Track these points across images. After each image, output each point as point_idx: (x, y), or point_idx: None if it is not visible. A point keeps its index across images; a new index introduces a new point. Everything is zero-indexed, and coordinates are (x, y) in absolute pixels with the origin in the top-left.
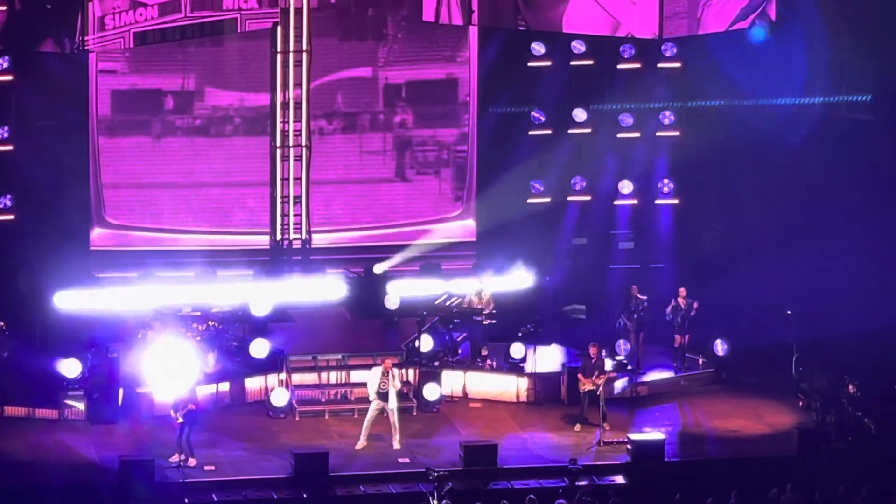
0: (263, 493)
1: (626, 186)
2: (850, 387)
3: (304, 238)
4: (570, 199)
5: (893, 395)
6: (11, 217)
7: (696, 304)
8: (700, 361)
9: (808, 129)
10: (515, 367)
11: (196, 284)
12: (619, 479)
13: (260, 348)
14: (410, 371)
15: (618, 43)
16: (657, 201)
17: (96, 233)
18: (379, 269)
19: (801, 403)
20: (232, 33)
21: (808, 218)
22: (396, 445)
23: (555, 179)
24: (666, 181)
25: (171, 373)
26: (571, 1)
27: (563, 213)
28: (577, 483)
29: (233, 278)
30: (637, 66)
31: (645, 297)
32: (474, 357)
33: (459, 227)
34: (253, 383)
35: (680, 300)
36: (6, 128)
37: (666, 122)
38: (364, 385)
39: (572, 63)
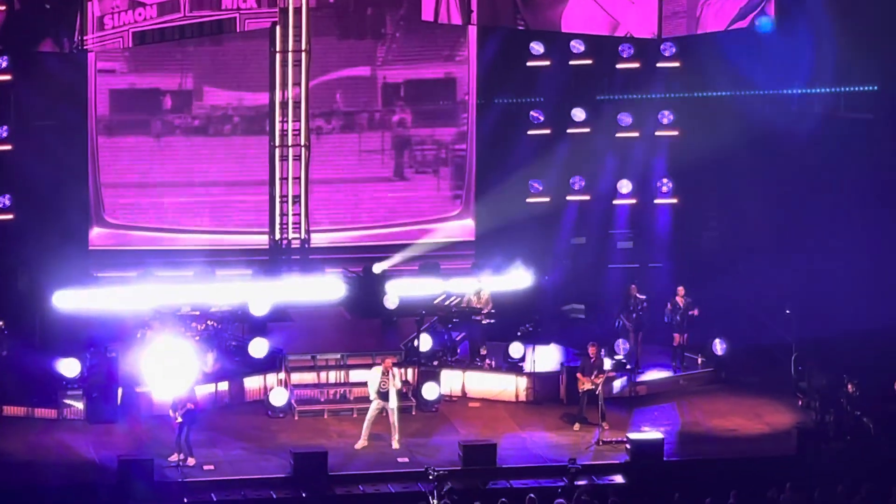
0: (262, 492)
1: (624, 186)
2: (850, 386)
3: (302, 237)
4: (568, 198)
5: (892, 395)
6: (10, 217)
7: (696, 312)
8: (699, 361)
9: (807, 129)
10: (514, 367)
11: (195, 284)
12: (618, 479)
13: (259, 348)
14: (409, 370)
15: (617, 42)
16: (656, 201)
17: (95, 232)
18: (378, 268)
19: (800, 403)
20: (231, 33)
21: (807, 217)
22: (395, 445)
23: (554, 179)
24: (665, 180)
25: (170, 372)
26: (570, 0)
27: (562, 212)
28: (576, 482)
29: (232, 278)
30: (636, 65)
31: (644, 297)
32: (473, 356)
33: (458, 227)
34: (252, 383)
35: (678, 299)
36: (5, 127)
37: (665, 121)
38: (363, 384)
39: (571, 62)
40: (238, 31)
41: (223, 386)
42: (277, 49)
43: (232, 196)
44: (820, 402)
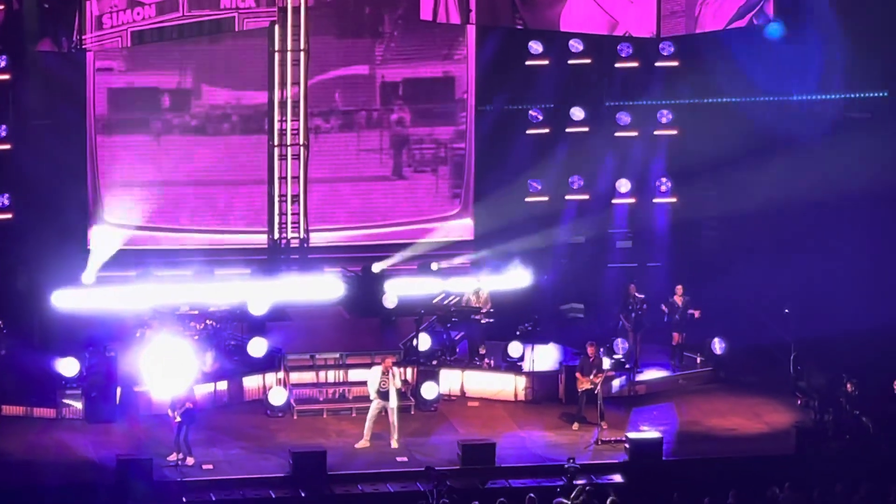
0: (261, 491)
1: (623, 185)
2: (849, 385)
3: (301, 237)
4: (567, 197)
5: (892, 394)
6: (9, 216)
7: (697, 313)
8: (698, 360)
9: (807, 128)
10: (513, 366)
11: (194, 283)
12: (617, 478)
13: (258, 347)
14: (408, 370)
15: (615, 42)
16: (655, 200)
17: (94, 231)
18: (377, 268)
19: (799, 402)
20: (229, 32)
21: (806, 217)
22: (394, 444)
23: (552, 178)
24: (664, 180)
25: (168, 372)
26: (569, 0)
27: (561, 211)
28: (574, 482)
29: (231, 277)
30: (635, 64)
31: (643, 296)
32: (472, 356)
33: (457, 226)
34: (251, 382)
35: (676, 298)
36: (4, 127)
37: (664, 120)
38: (362, 384)
39: (570, 62)
40: (237, 30)
41: (222, 385)
42: (276, 48)
43: (231, 195)
44: (819, 402)
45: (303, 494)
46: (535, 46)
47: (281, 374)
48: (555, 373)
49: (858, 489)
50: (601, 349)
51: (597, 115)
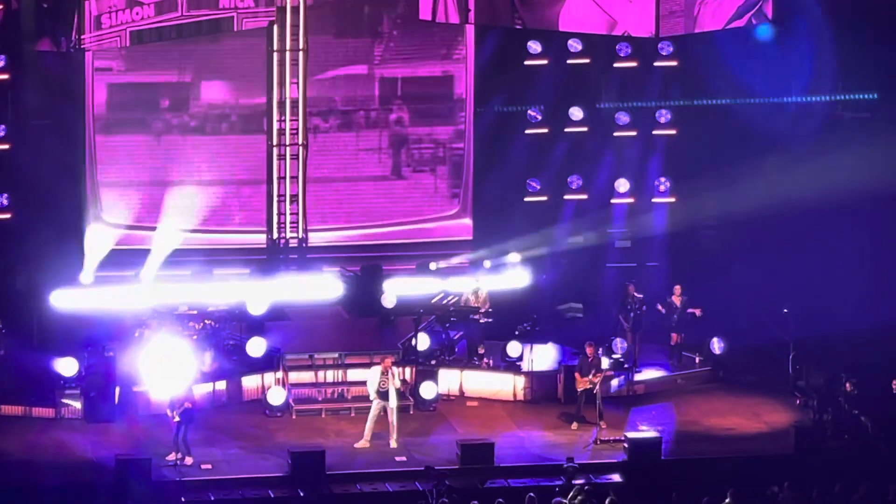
0: (260, 491)
1: (622, 185)
2: (847, 385)
3: (300, 236)
4: (566, 197)
5: (891, 394)
6: (8, 216)
7: (698, 312)
8: (697, 360)
9: (806, 128)
10: (512, 366)
11: (193, 283)
12: (616, 478)
13: (256, 347)
14: (407, 370)
15: (614, 41)
16: (653, 199)
17: (90, 231)
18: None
19: (798, 402)
20: (228, 32)
21: (804, 216)
22: (393, 444)
23: (551, 178)
24: (662, 179)
25: (167, 371)
26: None
27: (560, 211)
28: (573, 481)
29: (229, 277)
30: (633, 64)
31: (641, 296)
32: (471, 355)
33: (456, 226)
34: (249, 382)
35: (674, 298)
36: (3, 126)
37: (662, 120)
38: (361, 383)
39: (569, 61)
40: (235, 29)
41: (221, 385)
42: (275, 48)
43: (229, 195)
44: (818, 401)
45: (301, 494)
46: (534, 46)
47: (280, 374)
48: (554, 372)
49: (857, 488)
50: (600, 349)
51: (595, 115)
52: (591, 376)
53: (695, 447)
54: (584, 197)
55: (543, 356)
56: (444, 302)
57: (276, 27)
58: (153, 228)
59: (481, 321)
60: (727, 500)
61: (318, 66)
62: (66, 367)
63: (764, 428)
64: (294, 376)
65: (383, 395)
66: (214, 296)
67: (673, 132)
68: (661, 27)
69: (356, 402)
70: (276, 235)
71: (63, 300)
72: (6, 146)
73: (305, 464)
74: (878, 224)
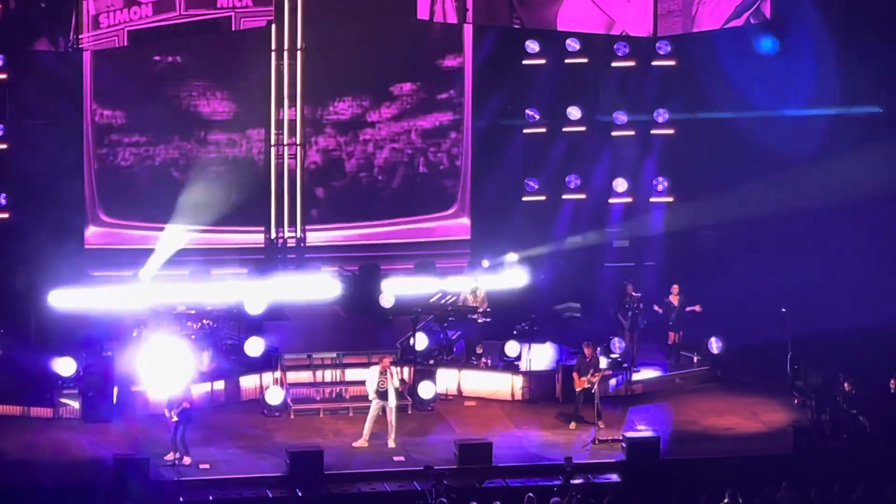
0: (258, 491)
1: (620, 184)
2: (846, 385)
3: (298, 236)
4: (564, 197)
5: (889, 393)
6: (6, 215)
7: (698, 309)
8: (695, 359)
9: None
10: (510, 366)
11: (190, 283)
12: (614, 478)
13: (254, 346)
14: (405, 369)
15: (612, 41)
16: (651, 199)
17: (91, 231)
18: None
19: (796, 401)
20: (226, 31)
21: (803, 215)
22: (391, 444)
23: (549, 177)
24: (660, 179)
25: (165, 371)
26: None
27: (558, 211)
28: (571, 481)
29: (227, 276)
30: (631, 64)
31: (639, 295)
32: (469, 355)
33: (454, 225)
34: (248, 381)
35: (672, 298)
36: (1, 126)
37: (660, 119)
38: (359, 383)
39: (567, 61)
40: (233, 29)
41: (219, 385)
42: (273, 47)
43: (228, 194)
44: (816, 401)
45: (300, 494)
46: (532, 46)
47: (278, 374)
48: (552, 372)
49: (856, 488)
50: (598, 349)
51: (593, 114)
52: (589, 376)
53: (693, 447)
54: (583, 196)
55: (541, 356)
56: (443, 301)
57: (274, 26)
58: (153, 228)
59: (479, 321)
60: (725, 500)
61: (316, 66)
62: (65, 366)
63: (762, 427)
64: (292, 376)
65: (382, 394)
66: (212, 295)
67: (671, 131)
68: (659, 26)
69: (354, 401)
70: (274, 235)
71: (61, 300)
72: (4, 146)
73: (304, 463)
74: (877, 224)
